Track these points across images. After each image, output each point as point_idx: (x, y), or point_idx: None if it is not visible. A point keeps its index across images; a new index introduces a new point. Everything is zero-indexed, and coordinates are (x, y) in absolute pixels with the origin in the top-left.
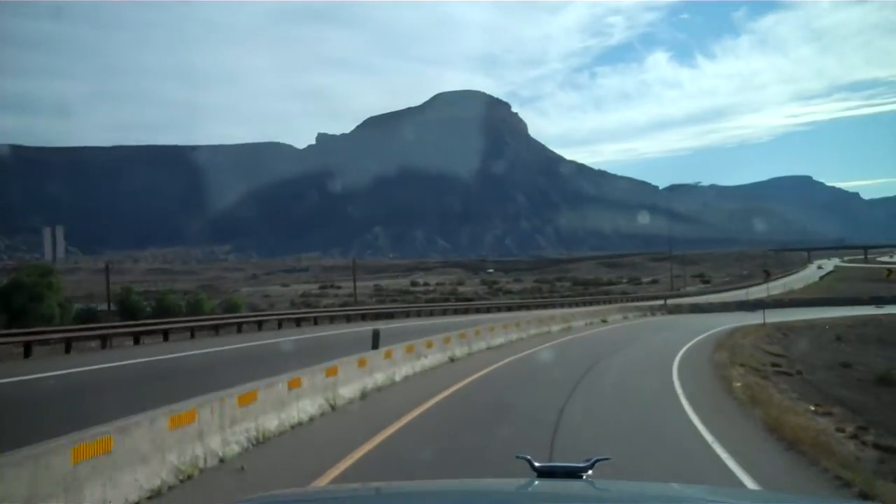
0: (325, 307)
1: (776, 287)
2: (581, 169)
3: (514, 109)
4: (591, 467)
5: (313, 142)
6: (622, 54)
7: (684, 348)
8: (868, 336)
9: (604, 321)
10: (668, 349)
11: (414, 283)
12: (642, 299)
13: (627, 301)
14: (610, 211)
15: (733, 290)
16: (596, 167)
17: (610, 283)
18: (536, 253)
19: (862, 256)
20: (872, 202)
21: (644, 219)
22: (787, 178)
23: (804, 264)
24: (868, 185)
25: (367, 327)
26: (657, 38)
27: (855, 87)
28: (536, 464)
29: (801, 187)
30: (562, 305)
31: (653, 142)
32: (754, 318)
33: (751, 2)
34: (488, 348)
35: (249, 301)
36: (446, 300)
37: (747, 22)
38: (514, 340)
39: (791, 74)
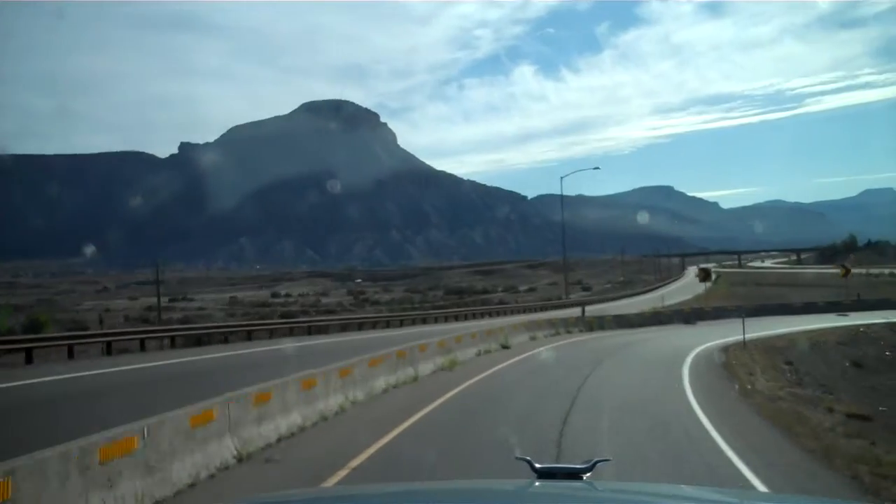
0: (162, 326)
1: (672, 294)
2: (451, 179)
3: (382, 120)
4: (591, 468)
5: (175, 151)
6: (490, 67)
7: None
8: (885, 359)
9: (504, 346)
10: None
11: (275, 295)
12: (544, 308)
13: (522, 311)
14: (481, 221)
15: (634, 297)
16: (466, 177)
17: (485, 292)
18: (407, 263)
19: (733, 261)
20: (731, 211)
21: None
22: (651, 188)
23: (682, 270)
24: (726, 194)
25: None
26: (524, 52)
27: (712, 101)
28: (537, 465)
29: (664, 197)
30: (436, 320)
31: (520, 153)
32: (714, 335)
33: (613, 17)
34: None
35: (81, 318)
36: (305, 312)
37: (610, 37)
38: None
39: (652, 88)
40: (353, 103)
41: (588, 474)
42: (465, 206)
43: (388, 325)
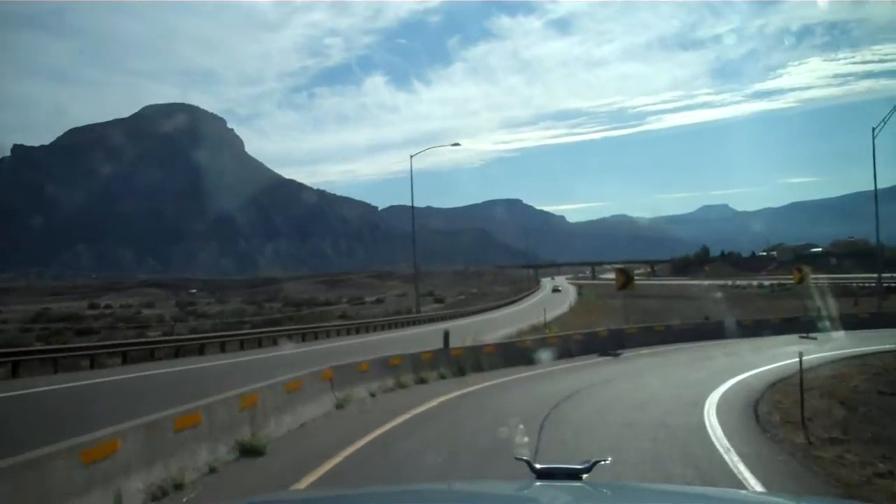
0: None
1: (537, 308)
2: (301, 188)
3: (230, 126)
4: (590, 469)
5: (7, 153)
6: (341, 76)
7: None
8: None
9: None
10: None
11: (93, 306)
12: (394, 324)
13: (361, 329)
14: (331, 231)
15: (498, 310)
16: (316, 187)
17: (328, 304)
18: (255, 273)
19: (585, 273)
20: (578, 224)
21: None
22: (499, 200)
23: (536, 282)
24: (573, 208)
25: None
26: (375, 62)
27: (559, 117)
28: (536, 465)
29: (513, 210)
30: (243, 345)
31: (372, 163)
32: (696, 376)
33: (463, 31)
34: None
35: None
36: (113, 327)
37: (461, 50)
38: None
39: (501, 102)
40: (198, 108)
41: (587, 475)
42: (314, 216)
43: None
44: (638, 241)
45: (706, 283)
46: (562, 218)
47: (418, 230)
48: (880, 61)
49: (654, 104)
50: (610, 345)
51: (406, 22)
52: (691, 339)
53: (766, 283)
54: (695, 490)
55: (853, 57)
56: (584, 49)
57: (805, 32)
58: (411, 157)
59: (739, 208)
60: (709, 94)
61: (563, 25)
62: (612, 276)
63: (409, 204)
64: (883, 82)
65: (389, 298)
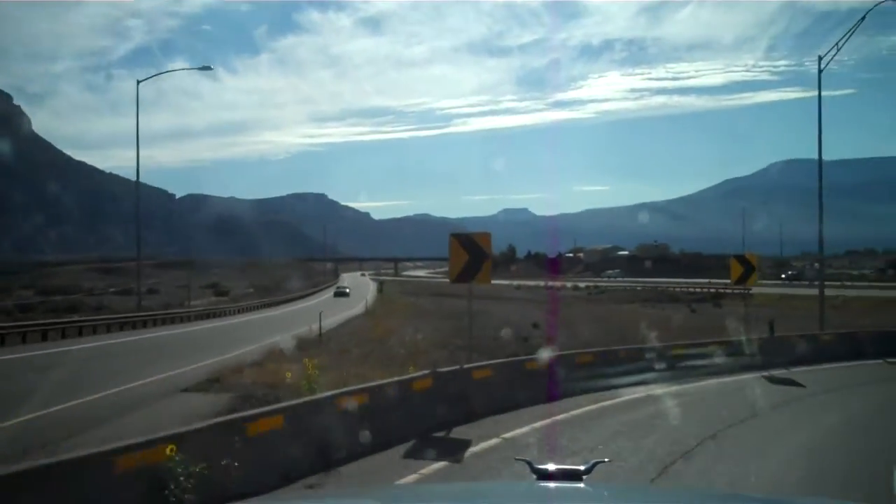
0: None
1: (329, 305)
2: (93, 171)
3: (16, 102)
4: (590, 470)
5: None
6: (142, 59)
7: None
8: None
9: None
10: None
11: None
12: (139, 323)
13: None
14: (123, 217)
15: (281, 305)
16: (109, 171)
17: (91, 293)
18: (37, 257)
19: (389, 269)
20: (382, 222)
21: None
22: (305, 194)
23: (336, 276)
24: (378, 206)
25: None
26: (178, 46)
27: (367, 114)
28: (536, 466)
29: (318, 205)
30: None
31: (172, 150)
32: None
33: (272, 22)
34: None
35: None
36: None
37: (269, 41)
38: None
39: (309, 96)
40: None
41: (587, 476)
42: (106, 200)
43: None
44: (442, 240)
45: (515, 283)
46: (367, 214)
47: (220, 220)
48: (673, 79)
49: (460, 107)
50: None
51: (211, 8)
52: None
53: (582, 285)
54: (695, 491)
55: (649, 73)
56: (394, 49)
57: (605, 47)
58: (138, 82)
59: (538, 213)
60: (513, 100)
61: (373, 24)
62: (417, 272)
63: (210, 194)
64: (675, 99)
65: (168, 290)
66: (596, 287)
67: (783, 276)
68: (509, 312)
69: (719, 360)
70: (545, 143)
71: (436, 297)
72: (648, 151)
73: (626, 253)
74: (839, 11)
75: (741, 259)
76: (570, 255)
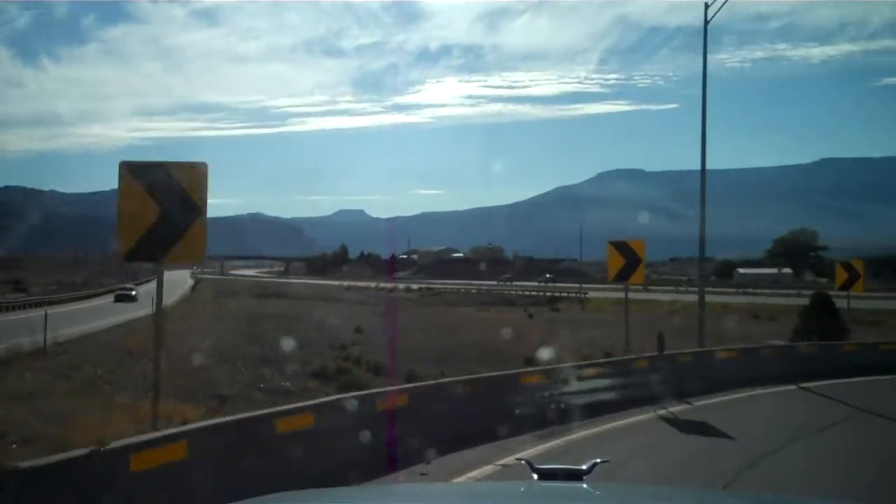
0: None
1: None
2: None
3: None
4: (591, 470)
5: None
6: None
7: None
8: None
9: None
10: None
11: None
12: None
13: None
14: None
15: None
16: None
17: None
18: None
19: (213, 268)
20: (213, 220)
21: None
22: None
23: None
24: (209, 203)
25: None
26: None
27: (199, 109)
28: (537, 466)
29: None
30: None
31: None
32: None
33: (100, 10)
34: None
35: None
36: None
37: (96, 30)
38: None
39: (138, 89)
40: None
41: (588, 476)
42: None
43: None
44: (274, 239)
45: (346, 283)
46: None
47: (41, 215)
48: (509, 87)
49: (297, 106)
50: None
51: None
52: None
53: (415, 286)
54: (695, 492)
55: (485, 80)
56: (229, 43)
57: (444, 52)
58: None
59: (374, 214)
60: (351, 101)
61: (208, 17)
62: (247, 271)
63: (28, 186)
64: (510, 107)
65: None
66: (429, 289)
67: (539, 280)
68: (333, 315)
69: (596, 387)
70: (382, 146)
71: (259, 298)
72: (484, 157)
73: (460, 255)
74: (667, 28)
75: (620, 246)
76: (405, 256)
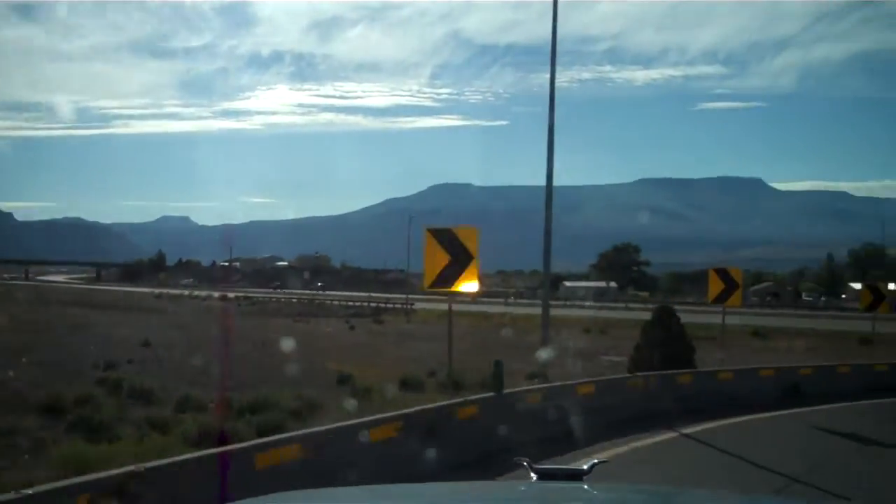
0: None
1: None
2: None
3: None
4: (590, 471)
5: None
6: None
7: None
8: None
9: None
10: None
11: None
12: None
13: None
14: None
15: None
16: None
17: None
18: None
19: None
20: (27, 224)
21: None
22: None
23: None
24: (24, 206)
25: None
26: None
27: (14, 108)
28: (536, 466)
29: None
30: None
31: None
32: None
33: None
34: None
35: None
36: None
37: None
38: None
39: None
40: None
41: (587, 476)
42: None
43: None
44: (93, 245)
45: (157, 291)
46: (10, 215)
47: None
48: (341, 97)
49: (120, 108)
50: None
51: None
52: None
53: (232, 295)
54: (695, 492)
55: (317, 90)
56: (50, 40)
57: (275, 59)
58: None
59: (200, 222)
60: (178, 105)
61: (26, 12)
62: (57, 277)
63: None
64: (342, 117)
65: None
66: (247, 298)
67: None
68: (127, 325)
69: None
70: (211, 152)
71: (50, 306)
72: (315, 167)
73: (284, 264)
74: (498, 46)
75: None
76: (226, 264)
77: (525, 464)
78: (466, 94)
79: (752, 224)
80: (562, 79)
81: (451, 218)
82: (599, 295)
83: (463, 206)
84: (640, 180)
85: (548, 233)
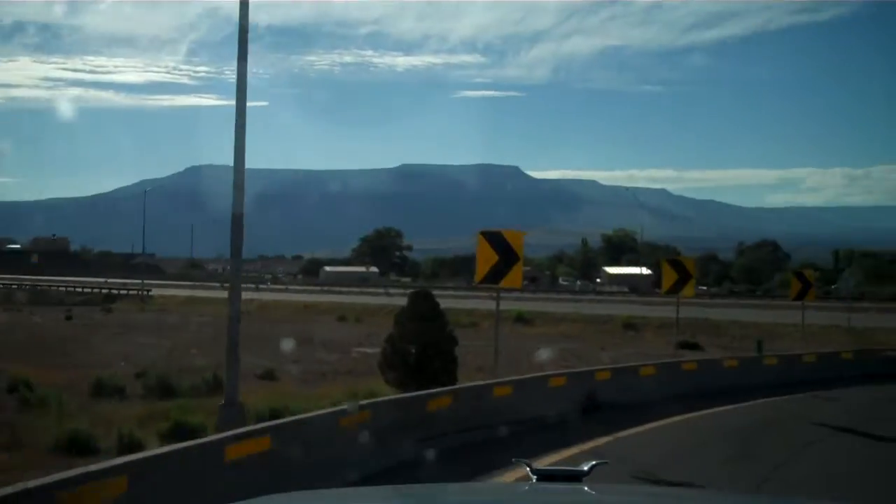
0: None
1: None
2: None
3: None
4: (590, 472)
5: None
6: None
7: None
8: None
9: None
10: None
11: None
12: None
13: None
14: None
15: None
16: None
17: None
18: None
19: None
20: None
21: None
22: None
23: None
24: None
25: None
26: None
27: None
28: (536, 467)
29: None
30: None
31: None
32: None
33: None
34: None
35: None
36: None
37: None
38: None
39: None
40: None
41: (587, 477)
42: None
43: None
44: None
45: None
46: None
47: None
48: (91, 72)
49: None
50: None
51: None
52: None
53: None
54: (695, 492)
55: (65, 63)
56: None
57: (17, 30)
58: None
59: None
60: None
61: None
62: None
63: None
64: (92, 92)
65: None
66: None
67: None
68: None
69: None
70: None
71: None
72: (62, 145)
73: (17, 247)
74: (258, 26)
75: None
76: None
77: (525, 464)
78: (226, 73)
79: (511, 211)
80: (323, 62)
81: (211, 198)
82: (361, 280)
83: (220, 188)
84: (402, 165)
85: (238, 217)
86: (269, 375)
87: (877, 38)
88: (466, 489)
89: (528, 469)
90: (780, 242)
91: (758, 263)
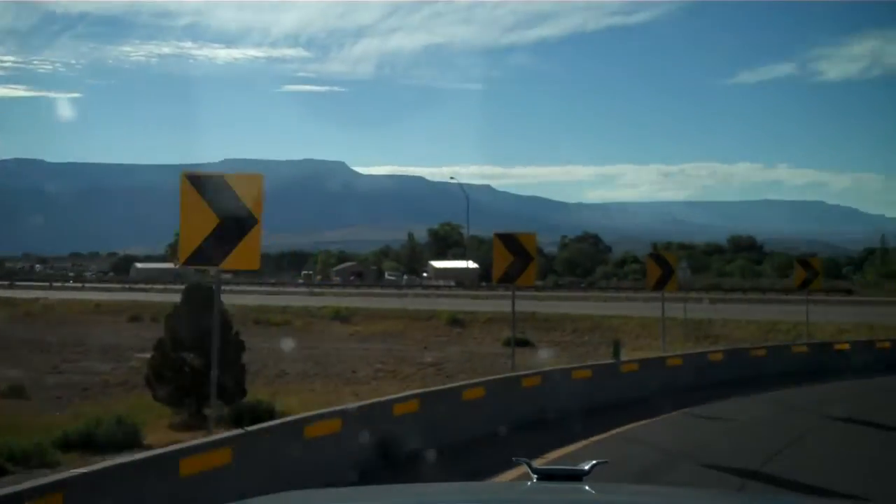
0: None
1: None
2: None
3: None
4: (590, 471)
5: None
6: None
7: None
8: None
9: None
10: None
11: None
12: None
13: None
14: None
15: None
16: None
17: None
18: None
19: None
20: None
21: None
22: None
23: None
24: None
25: None
26: None
27: None
28: (536, 467)
29: None
30: None
31: None
32: None
33: None
34: None
35: None
36: None
37: None
38: None
39: None
40: None
41: (587, 476)
42: None
43: None
44: None
45: None
46: None
47: None
48: None
49: None
50: None
51: None
52: None
53: None
54: (694, 492)
55: None
56: None
57: None
58: None
59: None
60: None
61: None
62: None
63: None
64: None
65: None
66: None
67: None
68: None
69: None
70: None
71: None
72: None
73: None
74: (70, 14)
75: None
76: None
77: (525, 464)
78: (35, 63)
79: (337, 207)
80: (139, 53)
81: (21, 195)
82: (176, 277)
83: (24, 186)
84: (225, 160)
85: None
86: (16, 392)
87: (688, 40)
88: (466, 489)
89: (528, 468)
90: (600, 235)
91: (580, 256)
